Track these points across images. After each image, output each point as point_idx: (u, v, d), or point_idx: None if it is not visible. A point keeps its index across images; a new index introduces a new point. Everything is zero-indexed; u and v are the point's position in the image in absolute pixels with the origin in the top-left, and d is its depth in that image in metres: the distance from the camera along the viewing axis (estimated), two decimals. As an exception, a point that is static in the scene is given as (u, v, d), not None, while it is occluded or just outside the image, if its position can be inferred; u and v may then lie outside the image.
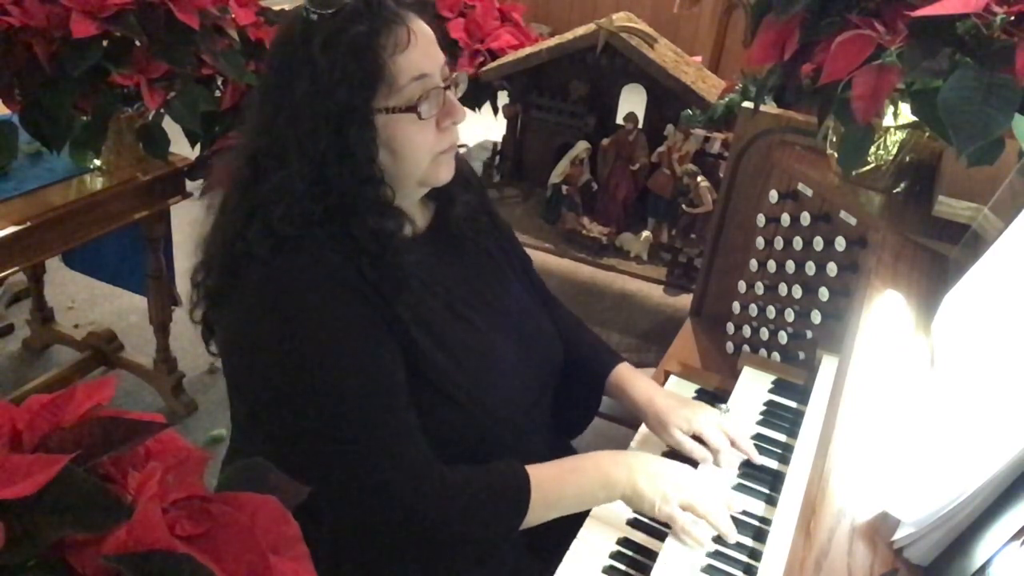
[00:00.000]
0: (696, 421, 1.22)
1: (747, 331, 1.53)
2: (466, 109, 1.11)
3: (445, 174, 1.08)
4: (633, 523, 1.14)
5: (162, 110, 1.78)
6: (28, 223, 1.70)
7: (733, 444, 1.21)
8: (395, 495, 0.99)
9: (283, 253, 0.99)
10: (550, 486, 1.06)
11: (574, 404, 1.32)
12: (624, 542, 1.11)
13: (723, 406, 1.31)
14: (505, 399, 1.12)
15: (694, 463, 1.20)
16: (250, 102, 1.09)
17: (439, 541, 1.03)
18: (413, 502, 0.99)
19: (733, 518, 1.11)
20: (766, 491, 1.17)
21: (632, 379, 1.29)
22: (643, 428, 1.30)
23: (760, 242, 1.48)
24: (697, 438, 1.22)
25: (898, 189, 1.33)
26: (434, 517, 1.01)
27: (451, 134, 1.06)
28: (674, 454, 1.22)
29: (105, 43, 1.63)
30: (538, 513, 1.06)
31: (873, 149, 1.28)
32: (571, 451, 1.33)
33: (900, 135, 1.27)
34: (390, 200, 1.04)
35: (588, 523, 1.12)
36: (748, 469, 1.21)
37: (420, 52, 1.00)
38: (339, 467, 0.98)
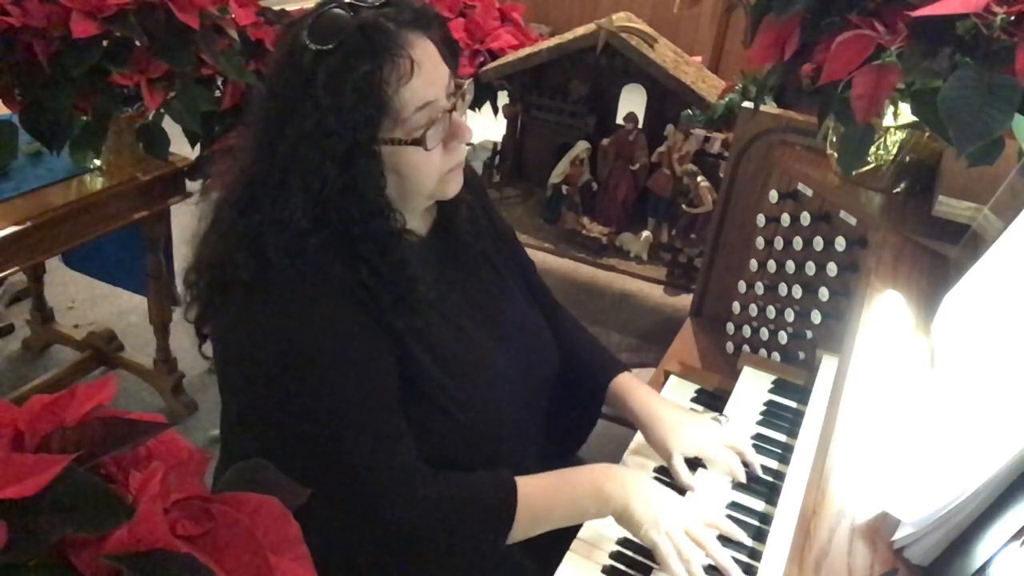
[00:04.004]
0: (703, 448, 1.19)
1: (747, 331, 1.53)
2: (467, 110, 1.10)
3: (453, 189, 1.07)
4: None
5: (162, 110, 1.78)
6: (28, 223, 1.70)
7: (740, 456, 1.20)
8: (376, 500, 0.99)
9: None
10: (540, 497, 1.05)
11: (574, 413, 1.30)
12: (624, 542, 1.11)
13: (722, 417, 1.29)
14: (498, 409, 1.11)
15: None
16: (250, 116, 1.06)
17: (420, 549, 1.02)
18: (394, 507, 0.99)
19: (733, 517, 1.11)
20: (766, 491, 1.17)
21: (633, 390, 1.26)
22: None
23: (760, 242, 1.48)
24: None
25: (898, 189, 1.33)
26: (415, 523, 1.00)
27: (458, 152, 1.05)
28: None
29: (105, 43, 1.63)
30: (526, 526, 1.04)
31: (873, 149, 1.28)
32: (566, 460, 1.32)
33: (900, 135, 1.27)
34: (400, 229, 1.03)
35: (588, 522, 1.12)
36: (747, 471, 1.20)
37: (424, 80, 0.98)
38: (323, 470, 0.97)
